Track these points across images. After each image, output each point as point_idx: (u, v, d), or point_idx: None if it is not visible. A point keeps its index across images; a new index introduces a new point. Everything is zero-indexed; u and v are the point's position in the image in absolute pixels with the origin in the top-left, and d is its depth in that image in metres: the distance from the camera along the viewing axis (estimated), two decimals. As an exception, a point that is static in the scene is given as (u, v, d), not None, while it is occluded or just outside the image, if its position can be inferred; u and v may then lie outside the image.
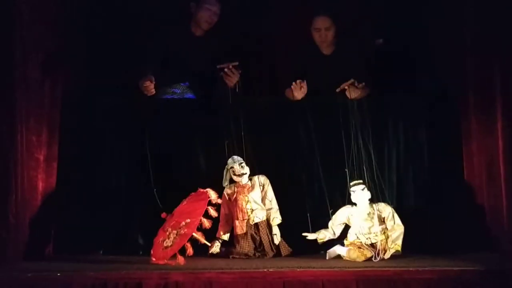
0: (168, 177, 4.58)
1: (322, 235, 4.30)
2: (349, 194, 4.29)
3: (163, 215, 4.24)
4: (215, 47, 4.98)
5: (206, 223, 4.13)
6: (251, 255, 4.31)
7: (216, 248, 4.32)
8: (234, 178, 4.37)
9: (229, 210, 4.40)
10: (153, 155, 4.57)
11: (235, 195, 4.36)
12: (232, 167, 4.35)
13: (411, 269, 3.78)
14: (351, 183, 4.27)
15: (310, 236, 4.29)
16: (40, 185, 4.42)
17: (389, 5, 5.21)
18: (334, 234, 4.31)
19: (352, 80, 4.47)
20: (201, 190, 4.26)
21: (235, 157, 4.39)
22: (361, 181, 4.27)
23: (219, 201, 4.27)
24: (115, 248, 4.50)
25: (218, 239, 4.36)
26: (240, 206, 4.32)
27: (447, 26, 4.78)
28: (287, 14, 5.44)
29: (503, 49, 4.22)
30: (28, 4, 4.32)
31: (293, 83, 4.59)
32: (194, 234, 4.09)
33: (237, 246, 4.33)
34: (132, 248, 4.53)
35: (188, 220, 4.11)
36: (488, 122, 4.34)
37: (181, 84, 4.99)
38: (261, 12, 5.41)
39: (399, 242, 4.16)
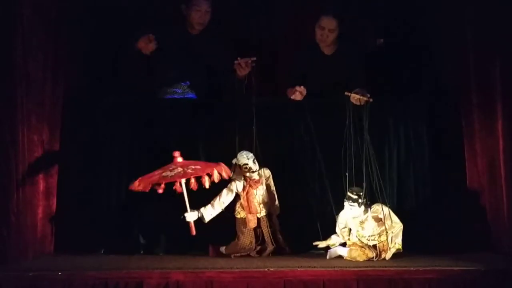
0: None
1: (333, 241, 4.30)
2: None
3: (176, 153, 4.23)
4: (214, 44, 4.98)
5: (215, 177, 4.13)
6: (252, 247, 4.33)
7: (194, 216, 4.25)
8: (247, 174, 4.35)
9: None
10: (154, 155, 4.58)
11: (246, 189, 4.34)
12: (246, 164, 4.33)
13: (411, 268, 3.78)
14: (347, 193, 4.24)
15: (322, 244, 4.29)
16: (41, 184, 4.43)
17: (390, 5, 5.21)
18: (344, 237, 4.30)
19: (367, 97, 4.41)
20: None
21: (247, 153, 4.38)
22: (354, 197, 4.19)
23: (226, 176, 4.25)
24: (116, 247, 4.50)
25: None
26: (253, 200, 4.32)
27: (448, 27, 4.79)
28: (289, 14, 5.44)
29: (504, 50, 4.22)
30: (29, 4, 4.32)
31: (293, 95, 4.58)
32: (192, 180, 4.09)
33: (240, 236, 4.34)
34: (133, 247, 4.53)
35: (199, 167, 4.15)
36: (489, 122, 4.35)
37: (182, 83, 4.99)
38: (263, 11, 5.41)
39: (399, 240, 4.16)
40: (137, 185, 4.16)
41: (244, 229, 4.35)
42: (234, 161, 4.40)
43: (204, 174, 4.15)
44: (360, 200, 4.19)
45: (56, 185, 4.57)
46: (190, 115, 4.69)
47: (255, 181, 4.35)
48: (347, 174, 4.32)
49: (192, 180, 4.15)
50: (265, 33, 5.42)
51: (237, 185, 4.37)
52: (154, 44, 4.67)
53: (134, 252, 4.49)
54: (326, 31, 4.83)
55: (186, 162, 4.26)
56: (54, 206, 4.56)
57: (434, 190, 4.60)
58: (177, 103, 4.87)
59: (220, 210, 4.35)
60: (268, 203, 4.41)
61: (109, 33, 5.11)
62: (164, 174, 4.14)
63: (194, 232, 4.22)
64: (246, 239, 4.34)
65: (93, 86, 4.95)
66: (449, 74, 4.82)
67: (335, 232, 4.33)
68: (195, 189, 4.17)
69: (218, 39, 5.04)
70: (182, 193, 4.19)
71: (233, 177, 4.39)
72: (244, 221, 4.36)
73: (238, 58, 4.63)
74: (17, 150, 4.14)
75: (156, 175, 4.17)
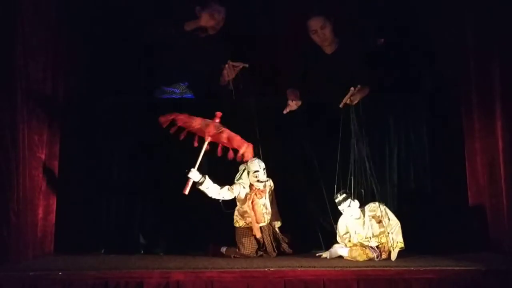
0: (170, 176, 4.57)
1: (335, 250, 4.28)
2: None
3: (218, 113, 4.27)
4: (221, 48, 4.99)
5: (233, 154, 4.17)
6: (254, 255, 4.32)
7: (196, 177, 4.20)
8: (256, 183, 4.31)
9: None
10: (154, 154, 4.59)
11: (251, 198, 4.31)
12: (257, 171, 4.30)
13: (412, 268, 3.78)
14: (336, 200, 4.22)
15: (324, 254, 4.26)
16: (42, 184, 4.43)
17: (390, 5, 5.21)
18: (346, 244, 4.28)
19: (351, 92, 4.41)
20: None
21: (260, 161, 4.34)
22: (343, 196, 4.20)
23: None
24: (117, 247, 4.50)
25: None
26: (259, 209, 4.30)
27: (449, 27, 4.78)
28: (289, 14, 5.42)
29: (504, 50, 4.22)
30: (29, 4, 4.32)
31: (289, 102, 4.57)
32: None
33: (240, 247, 4.33)
34: (133, 247, 4.54)
35: (230, 137, 4.19)
36: (489, 122, 4.34)
37: (181, 84, 4.99)
38: (263, 12, 5.40)
39: (400, 238, 4.16)
40: (169, 117, 4.19)
41: (244, 240, 4.33)
42: (242, 166, 4.38)
43: (225, 143, 4.18)
44: (349, 196, 4.19)
45: (57, 185, 4.56)
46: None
47: (261, 191, 4.33)
48: (335, 185, 4.29)
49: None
50: (265, 33, 5.39)
51: (240, 190, 4.34)
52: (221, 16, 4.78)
53: (134, 252, 4.50)
54: (319, 31, 4.84)
55: (224, 128, 4.23)
56: (54, 206, 4.56)
57: (434, 190, 4.60)
58: (177, 103, 4.86)
59: (214, 194, 4.25)
60: (270, 213, 4.38)
61: (109, 33, 5.10)
62: (200, 126, 4.17)
63: (186, 192, 4.15)
64: (247, 250, 4.32)
65: (93, 86, 4.95)
66: (450, 74, 4.81)
67: (334, 237, 4.33)
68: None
69: (224, 43, 5.04)
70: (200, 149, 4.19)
71: (239, 181, 4.36)
72: (243, 230, 4.34)
73: (229, 61, 4.66)
74: (17, 150, 4.13)
75: (195, 123, 4.19)
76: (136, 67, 5.07)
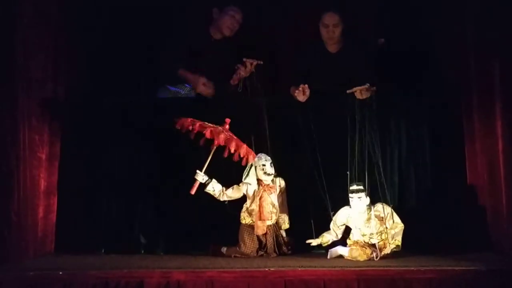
0: (170, 176, 4.58)
1: (326, 239, 4.30)
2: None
3: (227, 120, 4.35)
4: (234, 51, 5.01)
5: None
6: (254, 255, 4.31)
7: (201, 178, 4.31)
8: (263, 176, 4.34)
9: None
10: (156, 155, 4.60)
11: (260, 194, 4.32)
12: (264, 165, 4.33)
13: (412, 268, 3.78)
14: (351, 188, 4.24)
15: (314, 242, 4.28)
16: (42, 183, 4.44)
17: (391, 6, 5.20)
18: (337, 235, 4.31)
19: (366, 86, 4.42)
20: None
21: (266, 155, 4.38)
22: (361, 187, 4.21)
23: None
24: (117, 247, 4.50)
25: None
26: (265, 206, 4.31)
27: (450, 28, 4.79)
28: (291, 13, 5.41)
29: (504, 51, 4.20)
30: (30, 4, 4.34)
31: (297, 90, 4.56)
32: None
33: (241, 245, 4.33)
34: (133, 247, 4.54)
35: (235, 142, 4.25)
36: (489, 122, 4.34)
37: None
38: (266, 9, 5.39)
39: (399, 238, 4.16)
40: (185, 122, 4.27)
41: (246, 238, 4.32)
42: (250, 163, 4.37)
43: (234, 149, 4.24)
44: (364, 191, 4.19)
45: (57, 185, 4.58)
46: (194, 115, 4.66)
47: (270, 187, 4.34)
48: (348, 172, 4.31)
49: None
50: (268, 32, 5.40)
51: (248, 188, 4.36)
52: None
53: (134, 252, 4.50)
54: (331, 27, 4.82)
55: (230, 133, 4.33)
56: (55, 206, 4.57)
57: (434, 190, 4.59)
58: (178, 103, 4.85)
59: (219, 196, 4.33)
60: (277, 213, 4.38)
61: (109, 33, 5.11)
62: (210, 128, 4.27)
63: (193, 192, 4.27)
64: (248, 248, 4.32)
65: (94, 85, 4.94)
66: (450, 75, 4.80)
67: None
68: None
69: (239, 47, 5.05)
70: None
71: (246, 180, 4.37)
72: (248, 228, 4.34)
73: (244, 59, 4.69)
74: (18, 150, 4.15)
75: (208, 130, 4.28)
76: (137, 67, 5.07)
